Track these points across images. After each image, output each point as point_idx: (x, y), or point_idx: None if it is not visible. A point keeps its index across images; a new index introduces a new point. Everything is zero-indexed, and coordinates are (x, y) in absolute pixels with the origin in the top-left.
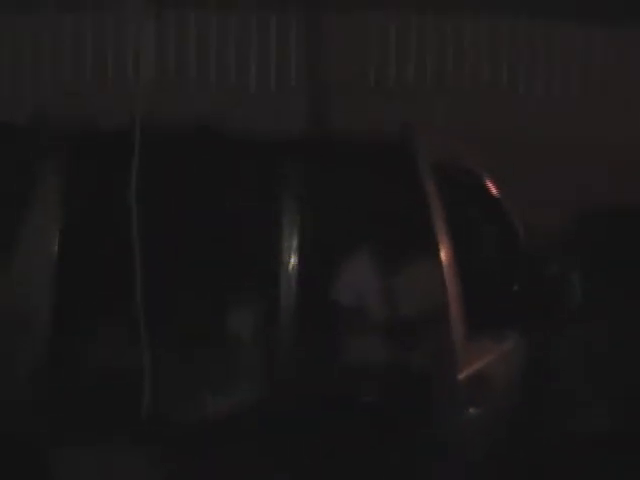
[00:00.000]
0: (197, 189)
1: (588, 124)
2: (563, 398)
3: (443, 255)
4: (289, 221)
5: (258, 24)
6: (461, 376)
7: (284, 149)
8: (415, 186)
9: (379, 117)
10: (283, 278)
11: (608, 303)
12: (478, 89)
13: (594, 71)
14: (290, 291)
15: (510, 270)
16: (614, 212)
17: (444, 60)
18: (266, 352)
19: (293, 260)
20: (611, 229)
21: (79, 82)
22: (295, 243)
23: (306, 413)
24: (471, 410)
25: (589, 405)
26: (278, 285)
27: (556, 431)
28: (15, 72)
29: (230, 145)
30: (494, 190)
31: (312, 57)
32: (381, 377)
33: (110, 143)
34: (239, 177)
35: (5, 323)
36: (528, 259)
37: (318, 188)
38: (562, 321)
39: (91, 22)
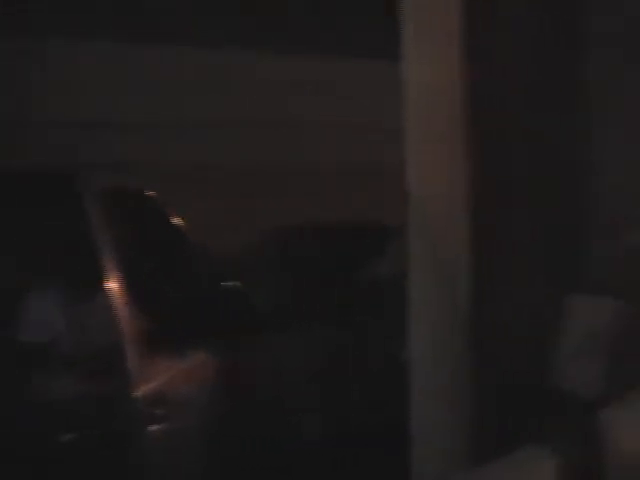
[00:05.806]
0: None
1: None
2: (270, 407)
3: (113, 284)
4: None
5: None
6: (138, 395)
7: None
8: (80, 218)
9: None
10: None
11: (298, 316)
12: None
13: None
14: None
15: (189, 290)
16: (292, 232)
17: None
18: None
19: None
20: (291, 247)
21: None
22: None
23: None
24: (152, 427)
25: (298, 414)
26: None
27: (263, 440)
28: None
29: None
30: (170, 216)
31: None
32: (72, 411)
33: None
34: None
35: None
36: (204, 278)
37: None
38: (248, 335)
39: None
